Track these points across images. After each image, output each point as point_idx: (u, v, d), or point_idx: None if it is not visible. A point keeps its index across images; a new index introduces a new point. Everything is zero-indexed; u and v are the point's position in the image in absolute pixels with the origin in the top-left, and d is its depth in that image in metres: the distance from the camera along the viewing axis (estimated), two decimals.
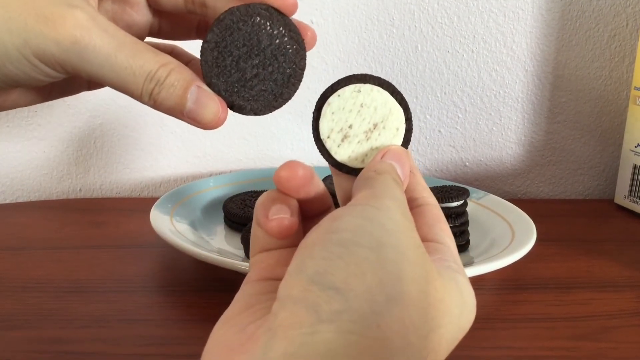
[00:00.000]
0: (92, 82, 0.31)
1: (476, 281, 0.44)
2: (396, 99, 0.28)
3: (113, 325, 0.37)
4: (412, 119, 0.29)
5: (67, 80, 0.29)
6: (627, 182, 0.62)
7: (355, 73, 0.28)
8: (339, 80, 0.27)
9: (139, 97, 0.25)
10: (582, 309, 0.40)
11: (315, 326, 0.17)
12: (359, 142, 0.27)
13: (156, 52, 0.25)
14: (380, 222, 0.20)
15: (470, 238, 0.49)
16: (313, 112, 0.27)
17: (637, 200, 0.61)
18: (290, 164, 0.24)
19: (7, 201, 0.66)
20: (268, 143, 0.66)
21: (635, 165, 0.61)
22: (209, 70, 0.26)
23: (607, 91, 0.67)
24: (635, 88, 0.60)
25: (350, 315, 0.17)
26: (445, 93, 0.66)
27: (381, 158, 0.26)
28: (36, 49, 0.23)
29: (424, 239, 0.25)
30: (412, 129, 0.29)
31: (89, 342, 0.35)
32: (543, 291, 0.43)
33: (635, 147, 0.61)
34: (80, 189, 0.67)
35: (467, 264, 0.44)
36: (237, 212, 0.50)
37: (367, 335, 0.17)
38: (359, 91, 0.27)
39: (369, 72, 0.30)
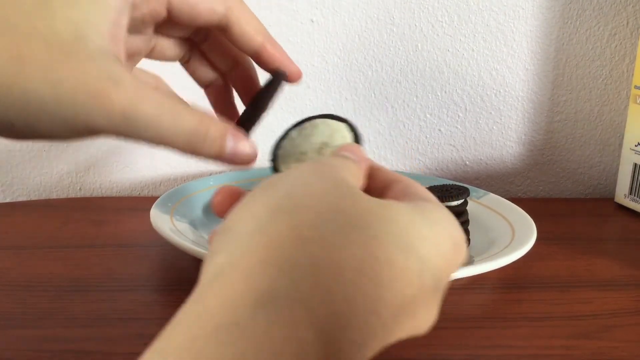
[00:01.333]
0: None
1: (476, 280, 0.44)
2: (338, 120, 0.32)
3: (113, 324, 0.37)
4: (359, 132, 0.32)
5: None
6: (627, 181, 0.62)
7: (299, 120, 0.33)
8: (286, 129, 0.33)
9: (181, 152, 0.27)
10: (582, 307, 0.40)
11: (212, 260, 0.21)
12: (311, 158, 0.31)
13: (192, 110, 0.27)
14: (287, 174, 0.24)
15: (470, 237, 0.49)
16: (270, 160, 0.33)
17: (638, 199, 0.61)
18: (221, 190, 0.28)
19: (8, 200, 0.66)
20: (267, 142, 0.66)
21: (636, 164, 0.61)
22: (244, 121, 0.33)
23: (608, 90, 0.67)
24: (636, 87, 0.60)
25: (235, 239, 0.21)
26: (445, 92, 0.66)
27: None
28: (88, 123, 0.25)
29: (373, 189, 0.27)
30: (360, 137, 0.31)
31: (89, 340, 0.35)
32: (543, 290, 0.43)
33: (636, 145, 0.61)
34: (80, 188, 0.67)
35: (467, 263, 0.44)
36: None
37: (250, 244, 0.20)
38: (304, 127, 0.32)
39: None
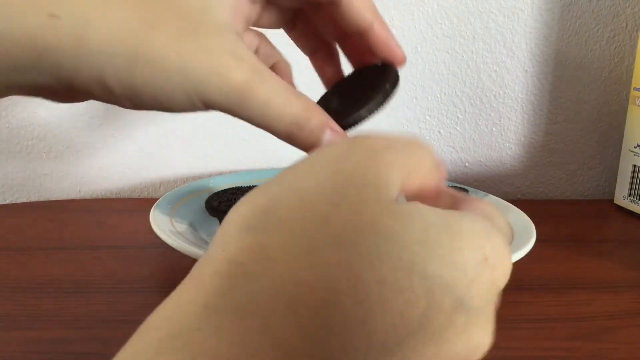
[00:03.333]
0: None
1: None
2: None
3: (113, 325, 0.37)
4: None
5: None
6: (626, 183, 0.62)
7: None
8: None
9: (278, 136, 0.27)
10: (582, 309, 0.40)
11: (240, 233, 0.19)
12: None
13: (298, 95, 0.27)
14: (295, 165, 0.21)
15: None
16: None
17: (637, 200, 0.61)
18: None
19: (7, 201, 0.66)
20: (268, 143, 0.66)
21: (635, 165, 0.61)
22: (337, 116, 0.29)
23: (607, 92, 0.67)
24: (635, 89, 0.60)
25: (205, 257, 0.20)
26: (444, 94, 0.66)
27: None
28: (206, 97, 0.25)
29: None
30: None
31: (89, 342, 0.35)
32: (543, 292, 0.43)
33: (635, 147, 0.61)
34: (80, 190, 0.67)
35: None
36: (215, 205, 0.50)
37: (212, 257, 0.19)
38: None
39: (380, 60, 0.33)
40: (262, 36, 0.33)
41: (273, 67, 0.34)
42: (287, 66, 0.35)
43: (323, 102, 0.32)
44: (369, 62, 0.33)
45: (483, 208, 0.22)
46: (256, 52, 0.33)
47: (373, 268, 0.17)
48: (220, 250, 0.19)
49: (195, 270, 0.19)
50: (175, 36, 0.24)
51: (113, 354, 0.35)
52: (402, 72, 0.67)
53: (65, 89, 0.25)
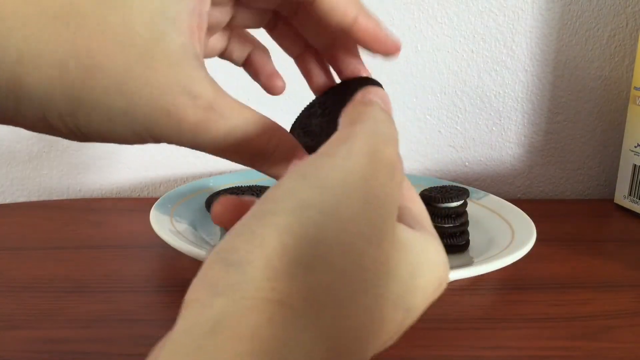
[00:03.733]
0: None
1: (476, 281, 0.44)
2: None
3: (113, 325, 0.37)
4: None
5: None
6: (627, 182, 0.62)
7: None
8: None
9: (244, 165, 0.26)
10: (582, 309, 0.40)
11: (210, 299, 0.17)
12: None
13: (263, 126, 0.25)
14: (319, 176, 0.19)
15: (470, 238, 0.49)
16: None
17: (637, 200, 0.61)
18: (222, 200, 0.24)
19: (7, 201, 0.66)
20: None
21: (635, 165, 0.61)
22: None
23: (607, 91, 0.67)
24: (635, 88, 0.60)
25: (244, 285, 0.17)
26: (445, 93, 0.66)
27: (363, 95, 0.25)
28: (156, 135, 0.24)
29: None
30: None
31: (89, 342, 0.35)
32: (543, 291, 0.43)
33: (635, 147, 0.61)
34: (80, 189, 0.67)
35: (467, 264, 0.44)
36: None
37: (258, 297, 0.17)
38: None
39: (369, 72, 0.30)
40: (231, 30, 0.31)
41: (248, 58, 0.32)
42: (264, 54, 0.32)
43: (305, 115, 0.30)
44: (356, 73, 0.30)
45: (431, 227, 0.24)
46: (226, 49, 0.31)
47: (386, 308, 0.19)
48: (268, 286, 0.17)
49: (234, 299, 0.17)
50: (121, 75, 0.22)
51: (113, 353, 0.35)
52: (403, 71, 0.67)
53: (10, 123, 0.24)
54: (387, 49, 0.28)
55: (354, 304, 0.18)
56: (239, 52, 0.32)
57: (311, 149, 0.26)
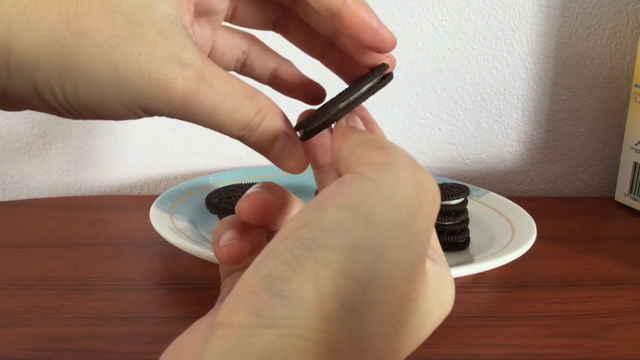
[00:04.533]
0: None
1: (476, 279, 0.44)
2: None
3: (113, 323, 0.37)
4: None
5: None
6: (627, 180, 0.62)
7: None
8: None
9: (231, 137, 0.26)
10: (582, 306, 0.40)
11: (254, 329, 0.17)
12: None
13: (252, 97, 0.25)
14: (370, 212, 0.18)
15: (470, 236, 0.49)
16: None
17: (638, 197, 0.61)
18: (249, 196, 0.24)
19: (7, 199, 0.66)
20: None
21: (636, 162, 0.61)
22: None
23: (608, 89, 0.67)
24: (636, 85, 0.60)
25: (293, 321, 0.17)
26: (445, 90, 0.66)
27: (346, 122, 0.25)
28: (145, 107, 0.23)
29: None
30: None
31: (89, 339, 0.35)
32: (543, 289, 0.43)
33: (636, 144, 0.61)
34: (80, 187, 0.67)
35: (467, 261, 0.44)
36: (214, 202, 0.50)
37: (309, 338, 0.17)
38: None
39: (367, 70, 0.29)
40: (251, 38, 0.30)
41: (275, 72, 0.30)
42: (290, 66, 0.31)
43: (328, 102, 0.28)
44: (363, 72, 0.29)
45: (442, 254, 0.24)
46: (245, 63, 0.30)
47: (407, 344, 0.20)
48: (320, 328, 0.17)
49: (282, 335, 0.17)
50: (109, 44, 0.22)
51: (113, 351, 0.35)
52: (403, 68, 0.67)
53: (4, 101, 0.23)
54: (378, 41, 0.26)
55: (388, 344, 0.19)
56: (261, 66, 0.30)
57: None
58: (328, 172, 0.28)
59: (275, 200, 0.25)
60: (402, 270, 0.19)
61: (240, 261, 0.24)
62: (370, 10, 0.26)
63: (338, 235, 0.18)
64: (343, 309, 0.17)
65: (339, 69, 0.30)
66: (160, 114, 0.24)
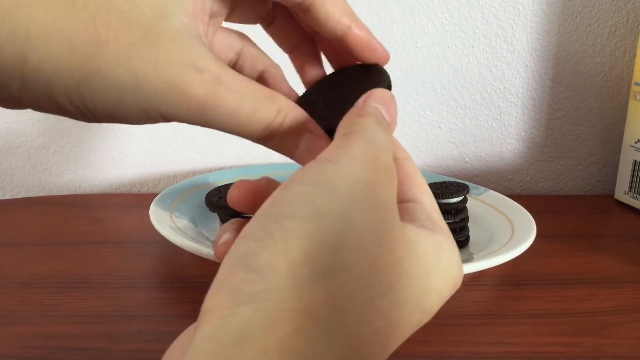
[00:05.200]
0: None
1: (476, 277, 0.44)
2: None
3: (112, 321, 0.37)
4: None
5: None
6: (627, 178, 0.62)
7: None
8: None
9: (254, 142, 0.26)
10: (582, 304, 0.40)
11: (233, 308, 0.17)
12: None
13: (271, 98, 0.25)
14: (329, 183, 0.19)
15: (470, 234, 0.49)
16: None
17: (637, 196, 0.61)
18: (239, 184, 0.25)
19: (7, 197, 0.66)
20: None
21: (636, 161, 0.61)
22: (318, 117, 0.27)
23: (608, 87, 0.67)
24: (636, 84, 0.60)
25: (267, 294, 0.17)
26: (445, 89, 0.66)
27: (364, 102, 0.25)
28: (165, 113, 0.24)
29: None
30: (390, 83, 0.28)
31: (89, 338, 0.35)
32: (543, 287, 0.43)
33: (636, 142, 0.61)
34: (79, 185, 0.67)
35: (467, 260, 0.44)
36: (214, 201, 0.50)
37: (285, 308, 0.17)
38: None
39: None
40: (245, 39, 0.31)
41: (262, 74, 0.31)
42: (278, 71, 0.32)
43: (304, 101, 0.29)
44: (351, 62, 0.30)
45: (443, 223, 0.25)
46: (236, 63, 0.31)
47: (404, 311, 0.20)
48: (294, 296, 0.17)
49: (259, 309, 0.17)
50: (127, 51, 0.22)
51: (112, 349, 0.35)
52: (402, 67, 0.67)
53: (15, 104, 0.24)
54: (377, 59, 0.29)
55: (373, 308, 0.19)
56: (250, 67, 0.31)
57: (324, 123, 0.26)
58: None
59: (266, 187, 0.25)
60: (370, 232, 0.19)
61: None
62: (370, 32, 0.28)
63: (303, 205, 0.19)
64: (313, 273, 0.18)
65: (301, 67, 0.31)
66: (180, 120, 0.24)
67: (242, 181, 0.25)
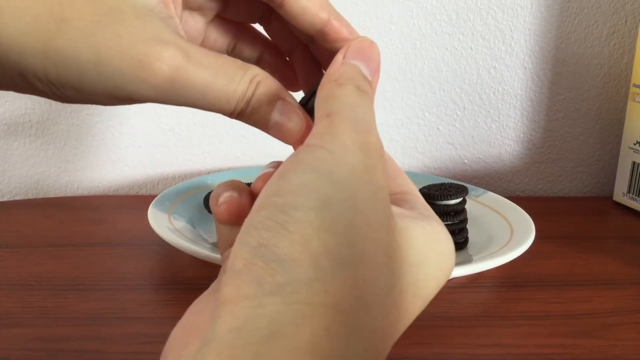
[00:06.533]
0: None
1: (475, 279, 0.44)
2: None
3: (111, 323, 0.37)
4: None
5: None
6: (625, 179, 0.62)
7: None
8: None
9: (229, 115, 0.25)
10: (581, 306, 0.40)
11: (260, 299, 0.17)
12: None
13: (244, 68, 0.25)
14: (329, 171, 0.19)
15: (469, 236, 0.49)
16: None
17: (636, 197, 0.61)
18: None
19: (5, 199, 0.66)
20: (266, 140, 0.66)
21: (634, 162, 0.61)
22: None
23: (606, 88, 0.67)
24: (634, 85, 0.60)
25: (294, 286, 0.17)
26: (443, 90, 0.66)
27: (342, 59, 0.24)
28: (132, 92, 0.23)
29: (390, 193, 0.24)
30: None
31: (87, 340, 0.35)
32: (542, 289, 0.43)
33: (634, 144, 0.61)
34: (77, 187, 0.67)
35: (466, 261, 0.44)
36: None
37: (313, 302, 0.17)
38: None
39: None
40: (243, 27, 0.30)
41: (260, 56, 0.31)
42: (277, 52, 0.31)
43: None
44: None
45: (430, 210, 0.25)
46: (234, 47, 0.30)
47: (410, 299, 0.20)
48: (321, 289, 0.17)
49: (287, 302, 0.17)
50: (89, 28, 0.22)
51: (111, 351, 0.35)
52: (401, 68, 0.67)
53: None
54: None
55: (390, 300, 0.19)
56: (250, 49, 0.31)
57: None
58: None
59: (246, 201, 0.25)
60: (378, 219, 0.19)
61: (241, 220, 0.24)
62: (350, 25, 0.27)
63: (308, 195, 0.18)
64: (335, 265, 0.17)
65: (299, 70, 0.31)
66: (149, 99, 0.24)
67: (230, 198, 0.24)
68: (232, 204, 0.24)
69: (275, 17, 0.30)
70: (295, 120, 0.25)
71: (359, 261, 0.18)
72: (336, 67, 0.24)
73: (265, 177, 0.24)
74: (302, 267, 0.17)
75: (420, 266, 0.21)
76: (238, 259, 0.18)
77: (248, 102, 0.24)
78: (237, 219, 0.24)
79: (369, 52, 0.24)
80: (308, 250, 0.17)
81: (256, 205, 0.19)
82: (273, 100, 0.25)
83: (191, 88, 0.23)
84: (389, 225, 0.20)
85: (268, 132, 0.26)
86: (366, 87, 0.23)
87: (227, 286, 0.17)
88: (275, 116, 0.25)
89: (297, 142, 0.26)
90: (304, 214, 0.18)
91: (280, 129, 0.25)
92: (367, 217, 0.19)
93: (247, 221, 0.19)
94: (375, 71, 0.24)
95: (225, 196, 0.24)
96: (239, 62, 0.25)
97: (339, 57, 0.24)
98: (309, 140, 0.21)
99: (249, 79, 0.24)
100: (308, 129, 0.26)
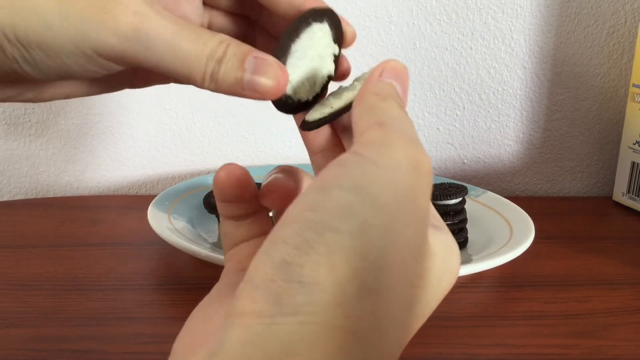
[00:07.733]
0: (135, 79, 0.30)
1: (474, 279, 0.44)
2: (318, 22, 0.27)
3: (111, 323, 0.37)
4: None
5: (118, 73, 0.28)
6: (625, 179, 0.62)
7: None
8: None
9: (201, 82, 0.24)
10: (580, 306, 0.40)
11: (275, 317, 0.16)
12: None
13: (212, 32, 0.24)
14: (374, 194, 0.18)
15: (468, 236, 0.49)
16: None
17: (636, 197, 0.61)
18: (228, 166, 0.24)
19: (5, 199, 0.66)
20: (266, 141, 0.66)
21: (634, 162, 0.61)
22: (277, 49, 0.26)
23: (606, 88, 0.67)
24: (634, 85, 0.60)
25: (313, 307, 0.16)
26: (443, 90, 0.66)
27: (379, 76, 0.23)
28: (96, 42, 0.23)
29: None
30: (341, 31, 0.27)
31: (87, 340, 0.35)
32: (541, 289, 0.43)
33: (634, 144, 0.61)
34: (77, 187, 0.67)
35: (466, 261, 0.44)
36: (212, 202, 0.50)
37: (330, 325, 0.16)
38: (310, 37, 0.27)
39: (366, 69, 0.29)
40: (246, 20, 0.30)
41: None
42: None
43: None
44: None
45: (442, 221, 0.25)
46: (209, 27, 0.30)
47: (417, 321, 0.21)
48: (340, 314, 0.17)
49: (304, 322, 0.17)
50: None
51: (110, 351, 0.35)
52: None
53: None
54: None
55: (406, 325, 0.19)
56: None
57: None
58: (327, 156, 0.27)
59: (249, 179, 0.25)
60: (410, 247, 0.19)
61: (240, 186, 0.24)
62: (325, 4, 0.27)
63: (347, 219, 0.17)
64: (360, 292, 0.17)
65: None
66: (113, 51, 0.23)
67: (231, 166, 0.24)
68: (231, 168, 0.24)
69: (259, 33, 0.30)
70: (270, 71, 0.24)
71: (384, 289, 0.18)
72: (374, 83, 0.23)
73: (278, 187, 0.24)
74: (324, 292, 0.17)
75: (436, 287, 0.21)
76: (259, 272, 0.17)
77: (220, 61, 0.24)
78: (236, 184, 0.24)
79: (402, 75, 0.24)
80: (333, 274, 0.17)
81: (288, 216, 0.18)
82: (244, 57, 0.24)
83: (156, 38, 0.23)
84: (420, 254, 0.19)
85: (244, 95, 0.25)
86: (404, 106, 0.23)
87: (243, 298, 0.17)
88: (249, 75, 0.24)
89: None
90: (337, 238, 0.17)
91: (256, 86, 0.24)
92: (400, 247, 0.18)
93: (276, 232, 0.18)
94: (405, 94, 0.24)
95: (226, 165, 0.24)
96: (202, 28, 0.25)
97: (375, 74, 0.24)
98: (361, 148, 0.20)
99: (218, 40, 0.24)
100: (284, 76, 0.25)
